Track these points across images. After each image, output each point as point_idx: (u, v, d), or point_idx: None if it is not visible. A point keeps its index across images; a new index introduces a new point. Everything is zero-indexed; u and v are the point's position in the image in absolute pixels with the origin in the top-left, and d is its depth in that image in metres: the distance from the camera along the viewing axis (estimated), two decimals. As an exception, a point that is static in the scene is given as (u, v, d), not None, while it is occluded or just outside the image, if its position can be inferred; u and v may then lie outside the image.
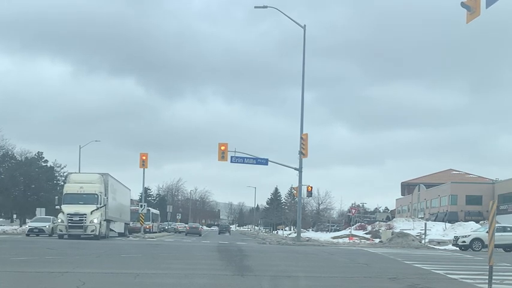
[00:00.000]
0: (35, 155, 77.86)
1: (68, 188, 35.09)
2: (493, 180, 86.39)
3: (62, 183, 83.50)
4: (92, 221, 33.61)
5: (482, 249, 31.80)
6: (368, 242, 41.99)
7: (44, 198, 72.26)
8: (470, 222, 56.98)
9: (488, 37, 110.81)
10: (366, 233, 56.36)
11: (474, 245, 33.40)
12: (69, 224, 33.25)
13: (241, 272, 13.18)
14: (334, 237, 49.50)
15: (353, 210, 64.31)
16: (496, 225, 16.98)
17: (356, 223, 72.44)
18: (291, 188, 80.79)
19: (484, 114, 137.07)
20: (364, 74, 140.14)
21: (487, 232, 18.24)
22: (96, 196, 34.49)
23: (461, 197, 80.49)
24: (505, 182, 76.24)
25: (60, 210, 34.25)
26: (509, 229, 35.42)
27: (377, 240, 43.11)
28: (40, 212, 58.01)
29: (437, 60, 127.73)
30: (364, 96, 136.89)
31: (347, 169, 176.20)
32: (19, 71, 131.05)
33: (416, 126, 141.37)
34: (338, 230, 70.39)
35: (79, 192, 34.50)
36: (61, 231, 33.59)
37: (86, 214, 33.44)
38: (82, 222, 33.32)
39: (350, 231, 54.51)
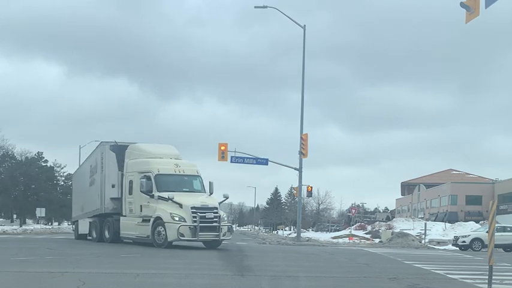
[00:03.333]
0: (35, 155, 77.89)
1: (159, 165, 23.06)
2: (493, 180, 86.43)
3: (62, 182, 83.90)
4: (223, 219, 22.60)
5: (482, 249, 31.82)
6: (368, 242, 42.01)
7: (44, 198, 72.30)
8: (470, 222, 57.00)
9: (479, 39, 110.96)
10: (365, 233, 56.37)
11: (474, 245, 33.44)
12: (201, 224, 21.30)
13: (241, 272, 13.19)
14: (334, 237, 49.52)
15: (353, 210, 64.38)
16: (496, 225, 16.98)
17: (356, 223, 72.46)
18: (291, 188, 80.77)
19: (474, 116, 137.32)
20: (357, 76, 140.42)
21: (487, 232, 18.23)
22: (200, 180, 23.82)
23: (461, 197, 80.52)
24: (505, 182, 76.26)
25: (163, 203, 22.06)
26: (509, 229, 35.47)
27: (377, 240, 43.14)
28: (40, 212, 58.05)
29: (428, 62, 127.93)
30: (358, 98, 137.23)
31: (345, 169, 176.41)
32: (17, 73, 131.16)
33: (409, 127, 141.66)
34: (338, 230, 70.39)
35: (178, 173, 23.30)
36: (182, 235, 21.22)
37: (216, 208, 22.18)
38: (215, 222, 21.84)
39: (350, 231, 54.56)
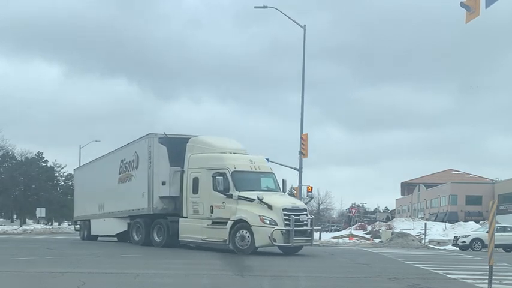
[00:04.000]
0: (35, 155, 77.94)
1: (234, 161, 20.53)
2: (493, 180, 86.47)
3: (62, 182, 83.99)
4: (311, 222, 20.32)
5: (482, 249, 31.82)
6: (368, 242, 41.97)
7: (44, 198, 72.33)
8: (470, 222, 56.99)
9: (479, 38, 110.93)
10: (366, 233, 56.31)
11: (474, 245, 33.45)
12: (296, 228, 19.04)
13: (241, 272, 13.19)
14: (334, 237, 49.46)
15: (353, 210, 64.33)
16: (496, 225, 16.95)
17: (356, 223, 72.44)
18: (291, 188, 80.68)
19: (474, 116, 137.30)
20: (356, 76, 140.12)
21: (487, 232, 18.23)
22: (274, 178, 21.48)
23: (461, 197, 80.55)
24: (505, 182, 76.28)
25: (246, 203, 19.46)
26: (509, 229, 35.49)
27: (377, 240, 43.11)
28: (40, 212, 58.04)
29: (429, 62, 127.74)
30: (358, 98, 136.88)
31: (345, 169, 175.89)
32: (17, 73, 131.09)
33: (409, 127, 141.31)
34: (338, 230, 70.37)
35: (254, 170, 20.79)
36: (274, 241, 18.82)
37: (306, 210, 20.29)
38: (307, 225, 19.72)
39: (350, 231, 54.50)
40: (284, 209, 19.09)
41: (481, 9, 13.77)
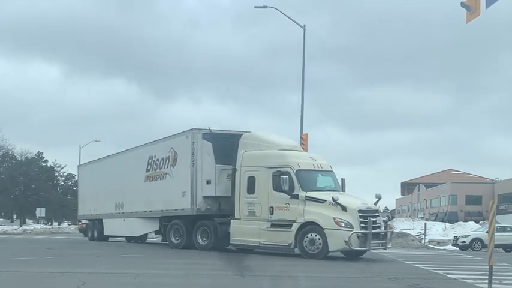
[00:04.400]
0: (35, 155, 78.01)
1: (298, 159, 19.26)
2: (493, 180, 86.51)
3: (62, 182, 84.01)
4: (385, 224, 19.49)
5: (482, 249, 31.83)
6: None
7: (44, 198, 72.35)
8: (470, 222, 57.00)
9: (479, 38, 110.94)
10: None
11: (474, 245, 33.46)
12: (373, 230, 17.86)
13: (241, 272, 13.18)
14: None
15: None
16: (496, 225, 16.93)
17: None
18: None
19: (474, 116, 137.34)
20: (356, 77, 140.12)
21: (486, 232, 18.21)
22: (334, 177, 20.15)
23: (461, 197, 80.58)
24: (505, 182, 76.31)
25: (315, 204, 18.01)
26: (509, 229, 35.49)
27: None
28: (40, 212, 58.06)
29: (428, 62, 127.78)
30: (357, 98, 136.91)
31: (345, 169, 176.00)
32: (17, 73, 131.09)
33: (409, 127, 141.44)
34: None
35: (317, 169, 19.58)
36: (350, 245, 17.29)
37: (378, 211, 19.09)
38: (379, 228, 18.49)
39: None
40: (359, 211, 17.81)
41: (482, 9, 13.78)
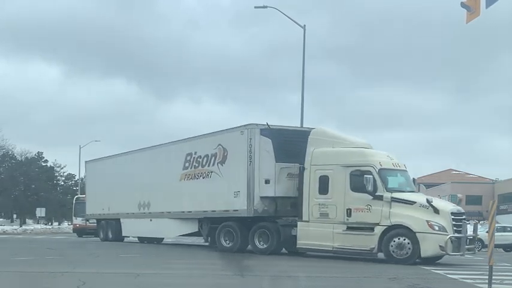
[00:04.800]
0: (35, 155, 78.01)
1: (379, 158, 18.18)
2: (493, 180, 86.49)
3: (62, 182, 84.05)
4: (474, 228, 19.19)
5: (482, 249, 31.81)
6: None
7: (44, 198, 72.37)
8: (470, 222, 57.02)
9: (479, 39, 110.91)
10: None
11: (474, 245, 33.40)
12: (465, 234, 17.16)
13: (241, 272, 13.19)
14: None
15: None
16: (496, 225, 16.90)
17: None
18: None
19: (474, 116, 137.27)
20: (355, 77, 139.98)
21: (486, 232, 18.17)
22: (409, 176, 19.17)
23: (461, 196, 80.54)
24: (505, 182, 76.30)
25: (402, 206, 17.02)
26: (509, 229, 35.49)
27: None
28: (40, 212, 58.08)
29: (428, 62, 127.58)
30: (356, 98, 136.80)
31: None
32: (16, 73, 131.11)
33: (409, 127, 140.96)
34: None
35: (397, 168, 18.59)
36: (443, 250, 16.49)
37: (464, 214, 18.16)
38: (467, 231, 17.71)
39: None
40: (452, 213, 16.85)
41: (482, 9, 13.77)
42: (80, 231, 39.94)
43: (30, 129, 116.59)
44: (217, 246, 20.93)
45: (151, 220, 25.15)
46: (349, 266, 16.26)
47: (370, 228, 17.07)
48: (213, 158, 21.38)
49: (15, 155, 74.02)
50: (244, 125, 20.19)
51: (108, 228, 29.06)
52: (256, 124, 19.94)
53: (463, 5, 13.87)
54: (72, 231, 43.36)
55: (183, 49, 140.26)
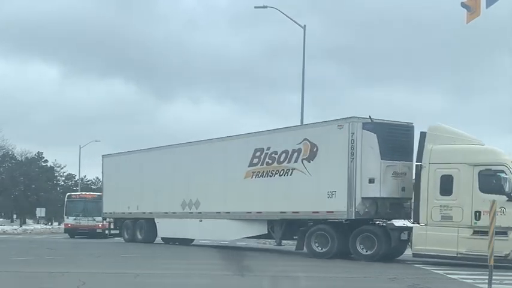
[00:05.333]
0: (35, 155, 77.89)
1: (510, 157, 17.01)
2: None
3: (62, 182, 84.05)
4: None
5: None
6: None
7: (44, 198, 72.28)
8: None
9: (478, 39, 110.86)
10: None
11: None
12: None
13: (241, 272, 13.19)
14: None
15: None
16: (497, 225, 16.72)
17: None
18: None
19: (473, 116, 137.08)
20: (354, 77, 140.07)
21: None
22: None
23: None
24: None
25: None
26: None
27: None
28: (40, 212, 58.06)
29: (427, 62, 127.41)
30: (355, 99, 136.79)
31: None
32: (16, 74, 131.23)
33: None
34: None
35: None
36: None
37: None
38: None
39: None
40: None
41: (482, 9, 13.79)
42: (71, 232, 36.41)
43: (30, 129, 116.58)
44: (306, 252, 19.14)
45: (201, 221, 22.80)
46: (349, 266, 16.26)
47: (503, 232, 15.27)
48: (296, 154, 19.50)
49: (15, 155, 73.93)
50: (344, 118, 18.40)
51: (136, 229, 26.63)
52: (358, 117, 18.22)
53: (463, 4, 13.90)
54: (63, 232, 39.21)
55: (182, 49, 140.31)
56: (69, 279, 11.33)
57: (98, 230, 34.15)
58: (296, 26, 35.33)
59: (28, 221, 76.94)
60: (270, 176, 20.21)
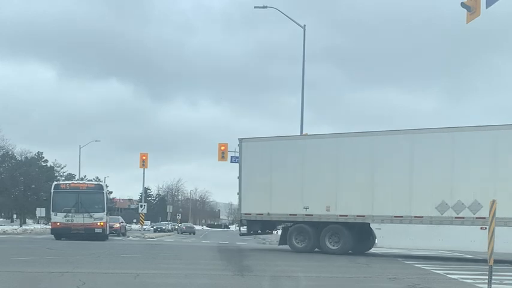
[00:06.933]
0: (35, 155, 77.97)
1: None
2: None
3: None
4: None
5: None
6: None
7: (44, 198, 72.32)
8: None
9: (478, 39, 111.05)
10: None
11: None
12: None
13: (241, 272, 13.18)
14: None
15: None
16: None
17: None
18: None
19: (473, 116, 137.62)
20: (352, 78, 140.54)
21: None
22: None
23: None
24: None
25: None
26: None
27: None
28: (40, 212, 58.07)
29: (425, 63, 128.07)
30: (354, 99, 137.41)
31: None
32: (16, 74, 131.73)
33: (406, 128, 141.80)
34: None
35: None
36: None
37: None
38: None
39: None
40: None
41: (482, 9, 13.79)
42: (60, 232, 28.70)
43: (30, 129, 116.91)
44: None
45: (482, 228, 17.42)
46: (349, 266, 16.26)
47: None
48: None
49: (15, 155, 74.01)
50: None
51: (325, 236, 21.13)
52: None
53: (463, 4, 13.90)
54: (50, 232, 30.78)
55: (181, 51, 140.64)
56: (69, 279, 11.32)
57: (97, 230, 28.46)
58: (296, 26, 35.40)
59: (28, 221, 76.98)
60: None
